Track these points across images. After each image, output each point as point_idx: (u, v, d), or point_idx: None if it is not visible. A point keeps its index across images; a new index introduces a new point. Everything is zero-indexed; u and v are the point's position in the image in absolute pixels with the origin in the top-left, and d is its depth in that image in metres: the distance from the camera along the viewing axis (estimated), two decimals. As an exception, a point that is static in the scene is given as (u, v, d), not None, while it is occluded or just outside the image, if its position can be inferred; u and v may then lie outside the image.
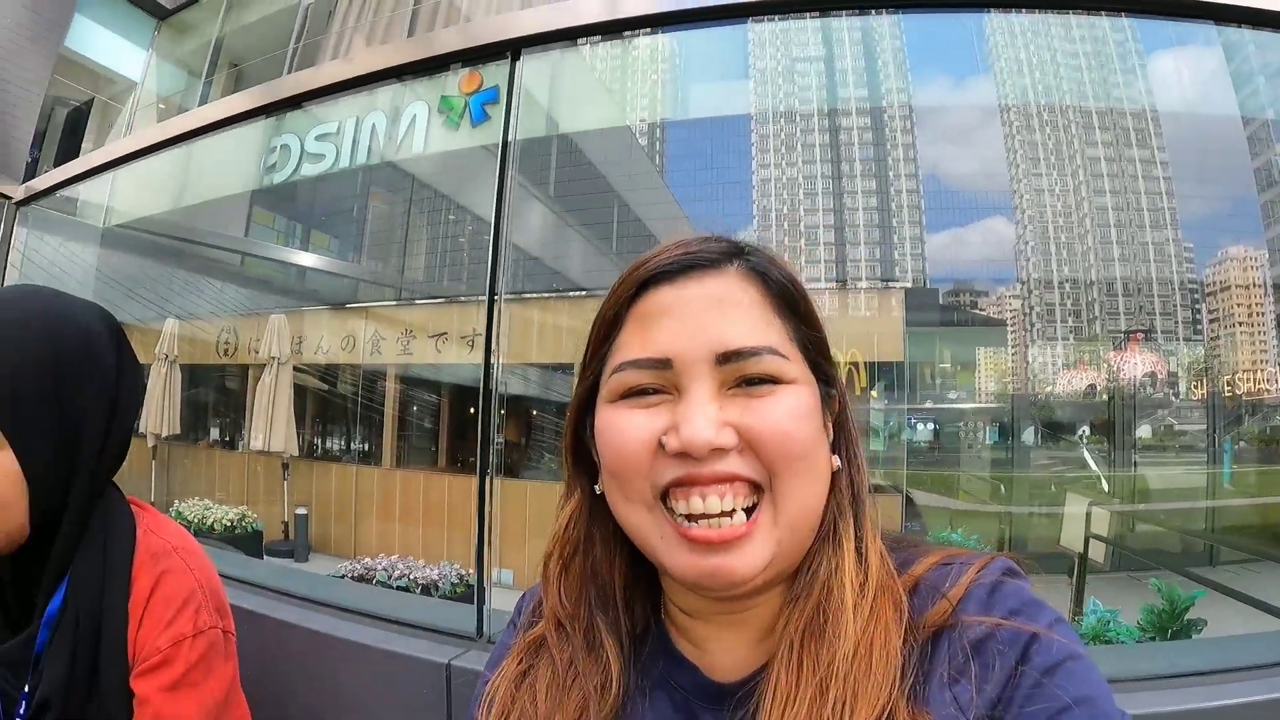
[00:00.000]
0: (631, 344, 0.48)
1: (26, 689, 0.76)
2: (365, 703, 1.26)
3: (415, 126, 6.82)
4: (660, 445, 0.45)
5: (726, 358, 0.45)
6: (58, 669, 0.75)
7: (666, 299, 0.48)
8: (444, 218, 6.11)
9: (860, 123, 7.32)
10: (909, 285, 6.52)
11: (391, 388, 5.96)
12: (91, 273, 6.13)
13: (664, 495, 0.46)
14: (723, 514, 0.44)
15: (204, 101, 7.98)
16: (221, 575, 0.89)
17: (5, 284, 2.66)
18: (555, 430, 5.88)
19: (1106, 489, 5.66)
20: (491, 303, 1.60)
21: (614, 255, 5.85)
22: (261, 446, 5.49)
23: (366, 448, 6.13)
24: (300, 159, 6.89)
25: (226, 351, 6.31)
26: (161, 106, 8.27)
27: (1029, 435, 6.12)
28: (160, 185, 6.36)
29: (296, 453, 5.61)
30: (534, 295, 5.69)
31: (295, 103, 1.78)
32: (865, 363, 5.58)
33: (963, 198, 7.10)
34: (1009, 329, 6.84)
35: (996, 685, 0.42)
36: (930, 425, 6.44)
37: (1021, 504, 5.55)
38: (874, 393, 5.77)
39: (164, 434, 5.89)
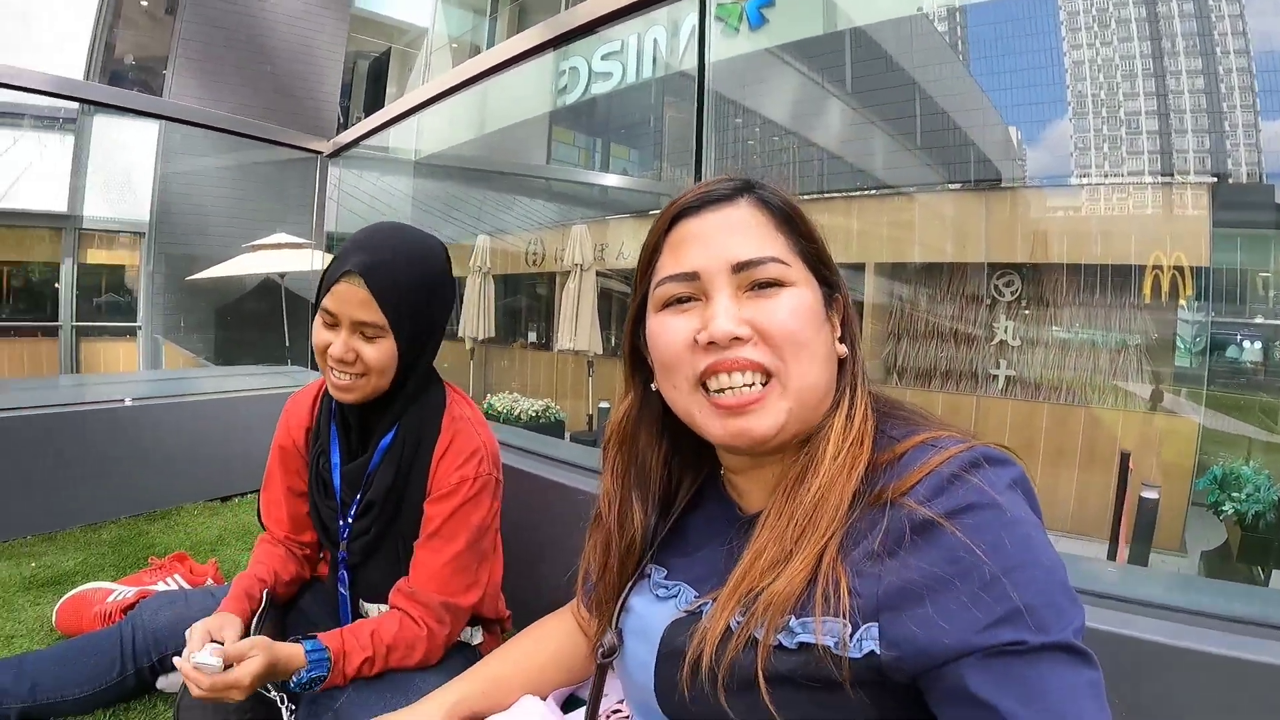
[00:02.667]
0: (667, 264, 0.60)
1: (359, 497, 1.07)
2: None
3: (695, 36, 6.61)
4: (695, 341, 0.57)
5: (739, 267, 0.57)
6: (384, 481, 1.05)
7: (692, 228, 0.59)
8: (730, 122, 6.01)
9: (1182, -8, 6.26)
10: (1243, 180, 5.60)
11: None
12: (408, 200, 6.73)
13: (702, 382, 0.57)
14: (743, 386, 0.56)
15: (491, 37, 8.38)
16: (527, 450, 1.49)
17: (326, 223, 3.11)
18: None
19: None
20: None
21: (918, 150, 5.48)
22: (568, 346, 5.80)
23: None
24: (589, 79, 7.08)
25: (534, 261, 6.70)
26: (454, 47, 8.77)
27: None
28: (463, 118, 6.81)
29: (600, 351, 5.88)
30: (837, 194, 5.49)
31: (582, 32, 1.75)
32: (1191, 267, 4.87)
33: (1305, 78, 5.90)
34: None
35: (914, 569, 0.47)
36: (1255, 343, 5.56)
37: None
38: (1182, 301, 5.05)
39: (480, 338, 6.38)
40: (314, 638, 0.96)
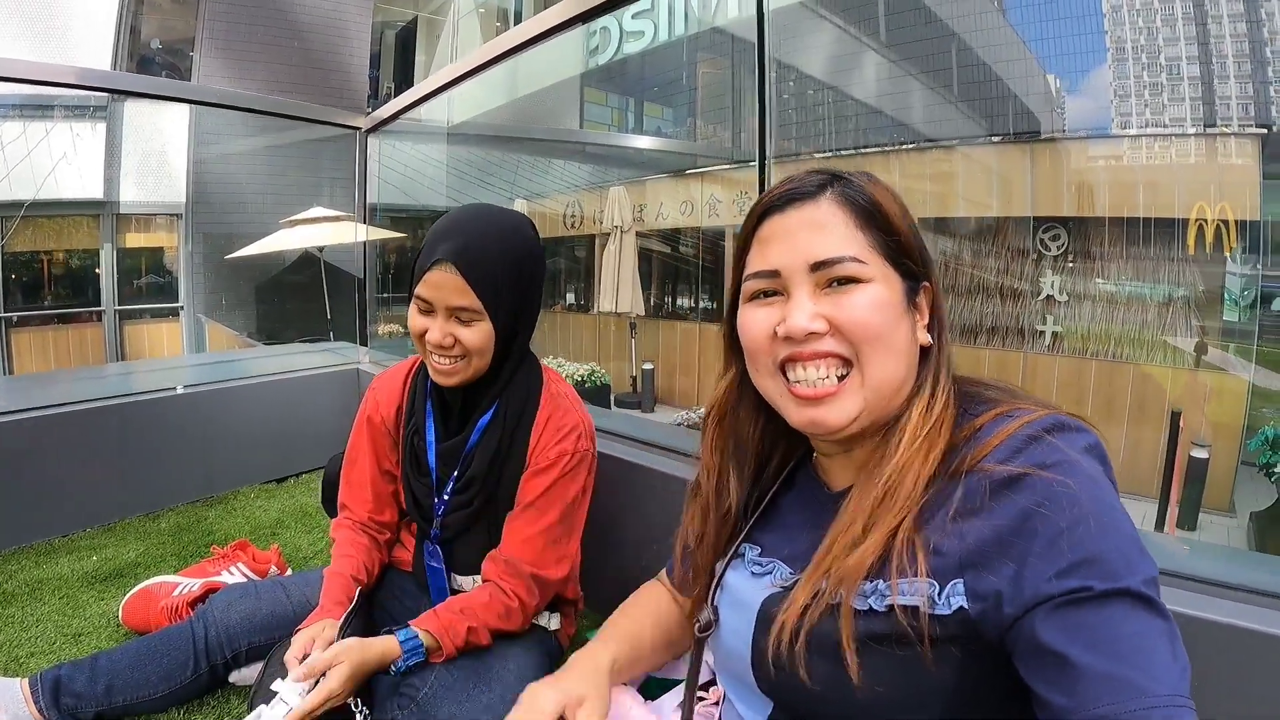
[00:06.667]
0: (755, 260, 0.64)
1: (456, 473, 1.09)
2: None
3: (730, -10, 6.45)
4: (775, 333, 0.61)
5: (817, 266, 0.60)
6: (483, 458, 1.08)
7: (776, 226, 0.63)
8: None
9: (1224, -68, 6.07)
10: (1286, 128, 5.40)
11: (731, 247, 6.01)
12: (443, 169, 6.68)
13: (783, 368, 0.62)
14: (819, 379, 0.60)
15: (519, 3, 8.29)
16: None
17: (368, 197, 3.04)
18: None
19: None
20: (762, 165, 1.52)
21: (958, 102, 5.36)
22: (610, 308, 5.75)
23: (710, 305, 6.25)
24: (621, 39, 6.97)
25: (573, 224, 6.65)
26: (481, 11, 8.70)
27: None
28: (494, 84, 6.75)
29: (643, 312, 5.82)
30: (875, 150, 5.37)
31: (615, 4, 1.66)
32: (1236, 220, 4.73)
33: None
34: None
35: (993, 526, 0.50)
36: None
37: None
38: (1228, 253, 4.90)
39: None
40: (406, 627, 1.00)
